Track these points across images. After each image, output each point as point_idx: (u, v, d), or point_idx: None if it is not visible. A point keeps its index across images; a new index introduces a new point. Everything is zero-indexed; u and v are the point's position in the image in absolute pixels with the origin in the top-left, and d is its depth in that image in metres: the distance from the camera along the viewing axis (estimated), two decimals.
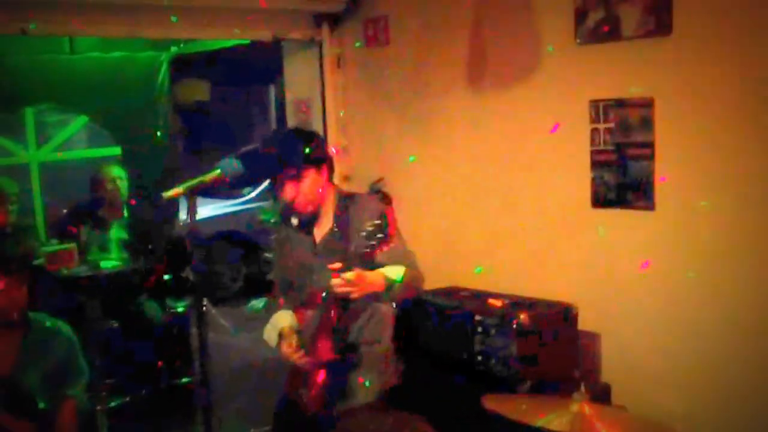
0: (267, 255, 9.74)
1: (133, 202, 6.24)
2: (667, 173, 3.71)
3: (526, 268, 4.30)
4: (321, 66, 5.34)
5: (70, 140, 8.13)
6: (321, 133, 5.33)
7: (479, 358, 3.88)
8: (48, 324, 4.07)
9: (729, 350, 3.58)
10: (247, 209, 10.15)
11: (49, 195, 7.57)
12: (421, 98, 4.81)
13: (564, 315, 3.91)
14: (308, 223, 3.49)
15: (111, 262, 5.68)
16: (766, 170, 3.41)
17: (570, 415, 2.68)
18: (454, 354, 4.00)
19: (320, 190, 3.40)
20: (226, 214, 10.01)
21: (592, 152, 3.97)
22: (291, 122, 5.73)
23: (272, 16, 5.06)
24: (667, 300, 3.76)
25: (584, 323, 3.94)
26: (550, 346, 3.80)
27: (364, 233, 2.95)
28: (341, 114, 5.30)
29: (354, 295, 3.09)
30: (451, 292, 4.27)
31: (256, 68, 7.75)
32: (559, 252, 4.18)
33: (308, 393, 3.38)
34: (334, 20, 5.25)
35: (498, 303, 3.96)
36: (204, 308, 3.19)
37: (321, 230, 3.49)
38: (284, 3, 5.02)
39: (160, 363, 5.83)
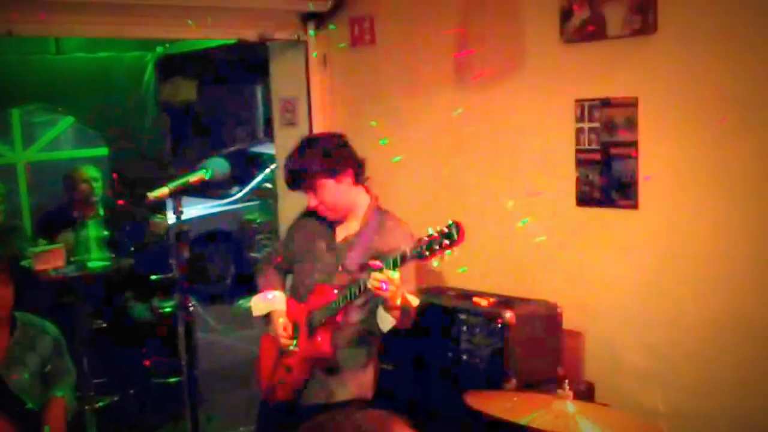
0: (254, 255, 9.78)
1: (121, 202, 6.23)
2: (651, 172, 3.73)
3: (511, 267, 4.32)
4: (307, 66, 5.33)
5: (57, 140, 8.12)
6: (309, 131, 5.35)
7: (464, 356, 3.90)
8: (34, 324, 4.07)
9: (712, 348, 3.60)
10: (235, 209, 10.17)
11: (36, 195, 7.56)
12: (407, 97, 4.81)
13: (548, 313, 3.93)
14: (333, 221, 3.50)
15: (99, 262, 5.67)
16: (750, 168, 3.44)
17: (553, 413, 2.70)
18: (439, 352, 4.01)
19: (340, 197, 3.39)
20: (213, 214, 10.02)
21: (577, 151, 3.99)
22: (277, 122, 5.73)
23: (258, 16, 5.06)
24: (651, 298, 3.78)
25: (568, 322, 3.96)
26: (535, 345, 3.82)
27: (426, 237, 2.91)
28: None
29: (386, 294, 3.04)
30: (436, 292, 4.28)
31: (243, 68, 7.77)
32: (543, 251, 4.19)
33: (287, 380, 3.42)
34: (320, 20, 5.25)
35: (483, 302, 3.97)
36: (191, 308, 3.20)
37: (345, 230, 3.49)
38: (270, 3, 5.02)
39: (147, 362, 5.84)
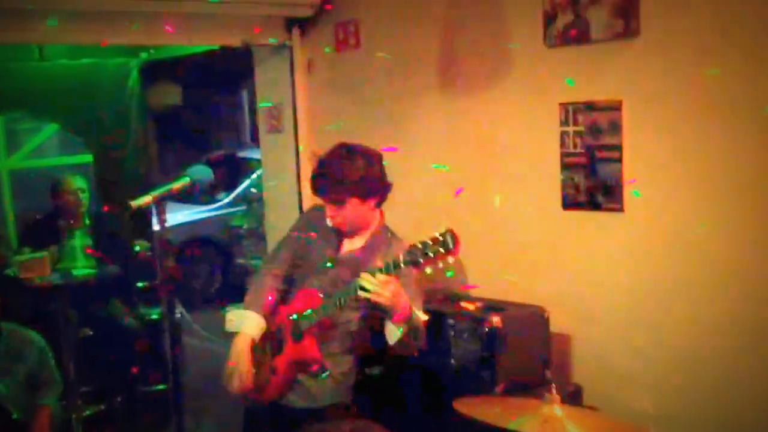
0: (241, 261, 9.75)
1: (106, 208, 6.21)
2: (636, 175, 3.74)
3: (498, 270, 4.32)
4: (292, 71, 5.33)
5: (42, 147, 8.09)
6: (295, 136, 5.35)
7: (452, 361, 3.90)
8: (19, 333, 4.05)
9: (700, 350, 3.61)
10: (222, 214, 10.15)
11: (21, 203, 7.52)
12: (392, 102, 4.81)
13: (536, 317, 3.93)
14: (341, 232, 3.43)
15: (83, 270, 5.64)
16: (733, 170, 3.45)
17: (541, 417, 2.70)
18: (426, 357, 4.01)
19: (361, 216, 3.32)
20: (200, 220, 9.99)
21: (562, 155, 4.00)
22: (263, 128, 5.72)
23: (241, 21, 5.05)
24: (637, 301, 3.79)
25: (556, 325, 3.96)
26: (522, 349, 3.82)
27: (419, 243, 2.81)
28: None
29: (379, 299, 2.96)
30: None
31: (228, 73, 7.74)
32: (530, 254, 4.20)
33: (271, 381, 3.41)
34: (305, 25, 5.25)
35: (470, 306, 3.97)
36: (179, 314, 3.19)
37: (350, 243, 3.43)
38: (254, 8, 5.01)
39: (134, 370, 5.81)
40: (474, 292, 4.20)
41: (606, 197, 3.85)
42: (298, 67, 5.33)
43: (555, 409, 2.72)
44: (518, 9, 4.12)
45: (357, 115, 5.03)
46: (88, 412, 5.43)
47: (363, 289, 2.97)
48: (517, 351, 3.79)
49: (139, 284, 5.95)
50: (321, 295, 3.30)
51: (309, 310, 3.32)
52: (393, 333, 3.14)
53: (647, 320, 3.76)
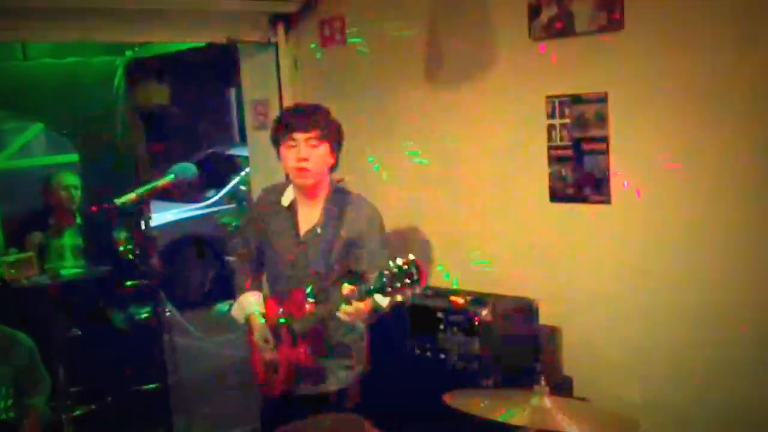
0: (230, 258, 9.70)
1: (94, 208, 6.17)
2: (623, 167, 3.75)
3: (486, 263, 4.32)
4: (278, 67, 5.31)
5: (28, 147, 8.04)
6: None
7: (441, 354, 3.90)
8: (7, 335, 4.03)
9: (689, 341, 3.62)
10: (210, 212, 10.10)
11: (7, 203, 7.47)
12: (379, 96, 4.80)
13: (525, 309, 3.93)
14: (294, 209, 3.47)
15: (71, 269, 5.62)
16: (718, 162, 3.46)
17: (531, 409, 2.70)
18: (416, 351, 4.01)
19: (324, 168, 3.39)
20: (189, 218, 9.95)
21: (549, 147, 4.00)
22: (250, 125, 5.70)
23: (225, 18, 5.02)
24: (626, 292, 3.80)
25: (545, 317, 3.97)
26: (512, 341, 3.83)
27: (387, 271, 2.93)
28: None
29: (348, 319, 3.19)
30: None
31: (216, 70, 7.72)
32: (518, 247, 4.20)
33: (277, 375, 3.44)
34: (290, 21, 5.23)
35: (460, 300, 3.97)
36: (169, 313, 3.19)
37: (306, 220, 3.45)
38: (238, 5, 4.98)
39: (128, 372, 5.78)
40: (463, 286, 4.20)
41: (593, 189, 3.85)
42: (283, 63, 5.30)
43: (545, 400, 2.73)
44: (503, 2, 4.12)
45: (343, 110, 5.00)
46: (78, 412, 5.40)
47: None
48: (506, 343, 3.80)
49: (129, 283, 5.92)
50: (307, 306, 3.33)
51: (300, 317, 3.33)
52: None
53: (636, 311, 3.77)
